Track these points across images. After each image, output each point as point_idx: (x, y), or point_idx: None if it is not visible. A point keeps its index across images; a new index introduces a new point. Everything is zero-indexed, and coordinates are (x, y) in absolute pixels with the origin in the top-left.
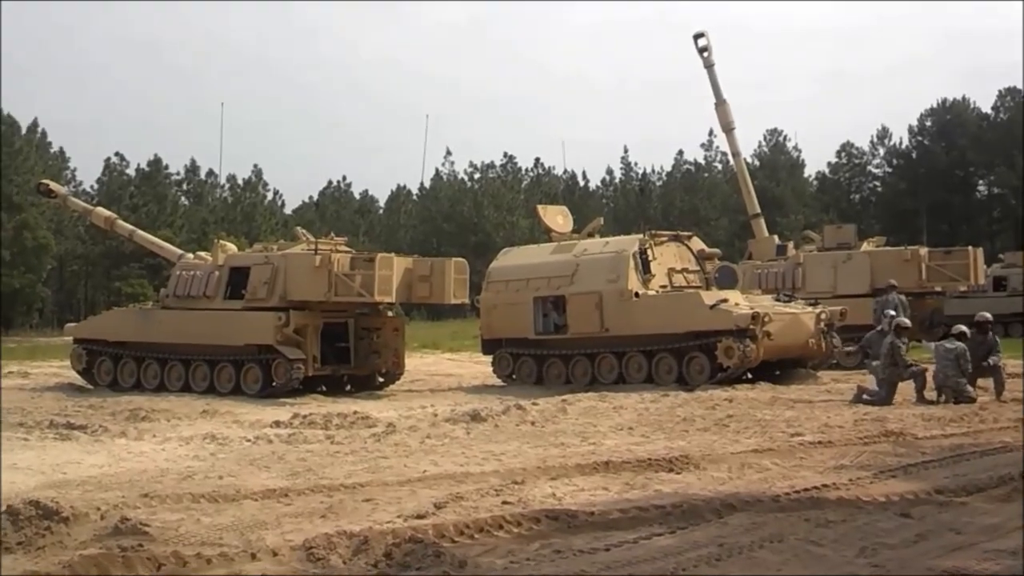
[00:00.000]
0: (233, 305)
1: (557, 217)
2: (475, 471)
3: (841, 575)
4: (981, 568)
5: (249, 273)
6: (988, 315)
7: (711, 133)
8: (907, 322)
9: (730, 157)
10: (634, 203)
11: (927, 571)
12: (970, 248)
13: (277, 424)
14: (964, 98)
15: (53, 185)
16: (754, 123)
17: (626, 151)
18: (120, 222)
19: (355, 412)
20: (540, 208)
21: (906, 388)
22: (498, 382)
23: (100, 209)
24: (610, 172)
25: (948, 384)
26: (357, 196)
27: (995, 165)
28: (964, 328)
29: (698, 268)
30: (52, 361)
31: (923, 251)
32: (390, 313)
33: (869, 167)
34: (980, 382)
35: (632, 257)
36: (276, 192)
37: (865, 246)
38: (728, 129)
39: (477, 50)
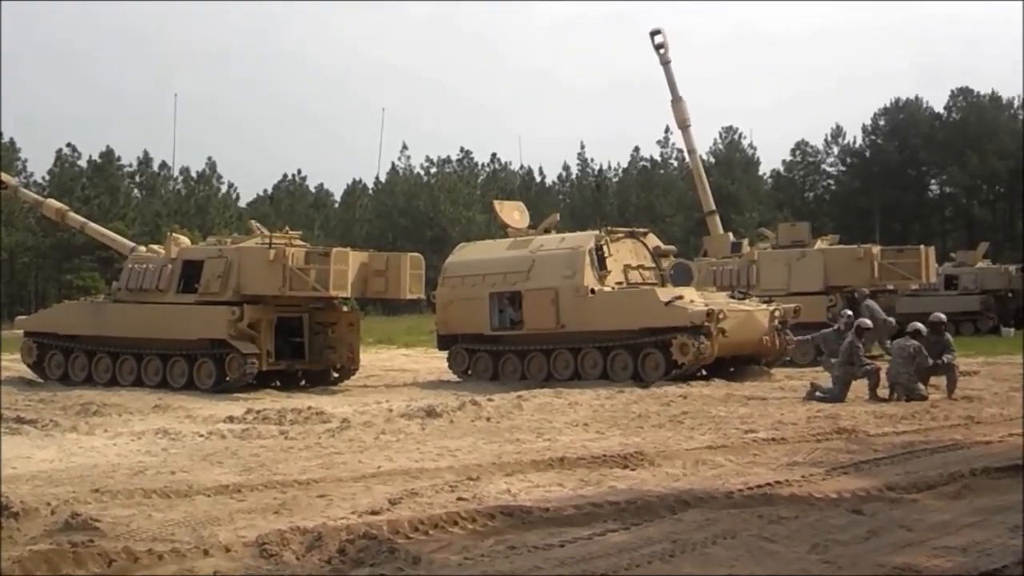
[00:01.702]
0: (186, 299)
1: (513, 213)
2: (430, 467)
3: (793, 572)
4: (931, 564)
5: (202, 267)
6: (942, 316)
7: (667, 130)
8: (868, 323)
9: (686, 154)
10: (590, 199)
11: (878, 567)
12: (922, 247)
13: (230, 419)
14: (917, 98)
15: (3, 176)
16: (710, 121)
17: (583, 147)
18: (71, 214)
19: (309, 407)
20: (496, 203)
21: (859, 386)
22: (454, 378)
23: (51, 200)
24: (567, 168)
25: (900, 381)
26: (312, 190)
27: (947, 165)
28: (920, 326)
29: (654, 265)
30: (2, 354)
31: (876, 249)
32: (345, 308)
33: (823, 166)
34: (932, 380)
35: (588, 253)
36: (230, 185)
37: (819, 244)
38: (684, 126)
39: (437, 43)
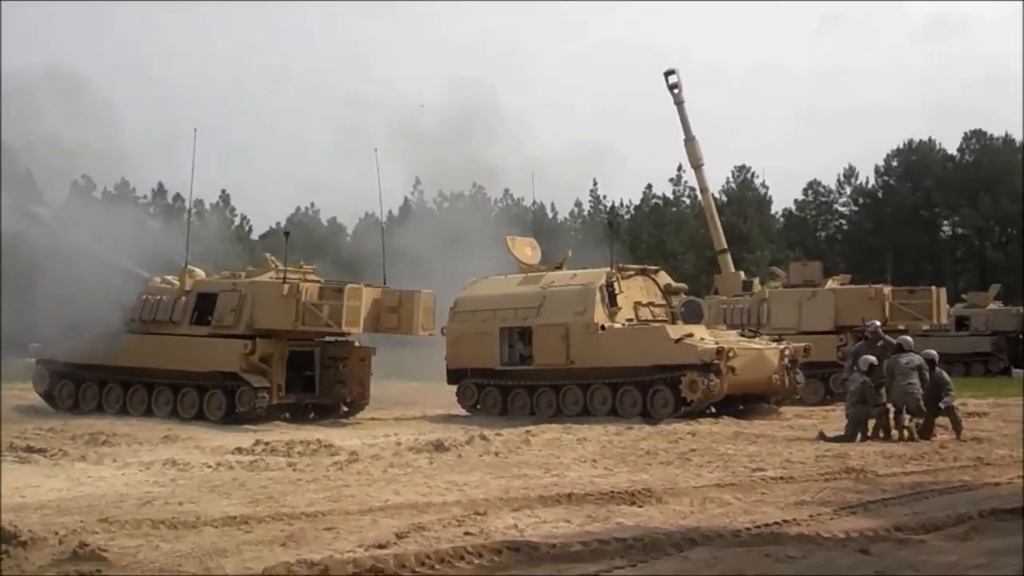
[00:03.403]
0: (199, 331)
1: (525, 248)
2: (437, 501)
3: None
4: None
5: (216, 300)
6: (934, 352)
7: (680, 168)
8: (874, 359)
9: (698, 192)
10: (602, 236)
11: None
12: (933, 288)
13: (239, 451)
14: (930, 139)
15: None
16: (722, 159)
17: (595, 184)
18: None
19: (318, 440)
20: (509, 239)
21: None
22: (462, 412)
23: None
24: (579, 204)
25: (913, 393)
26: (325, 223)
27: (960, 206)
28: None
29: (664, 302)
30: (14, 384)
31: (887, 290)
32: (357, 343)
33: (835, 205)
34: (937, 421)
35: (599, 290)
36: (243, 217)
37: (830, 283)
38: (696, 165)
39: (448, 75)
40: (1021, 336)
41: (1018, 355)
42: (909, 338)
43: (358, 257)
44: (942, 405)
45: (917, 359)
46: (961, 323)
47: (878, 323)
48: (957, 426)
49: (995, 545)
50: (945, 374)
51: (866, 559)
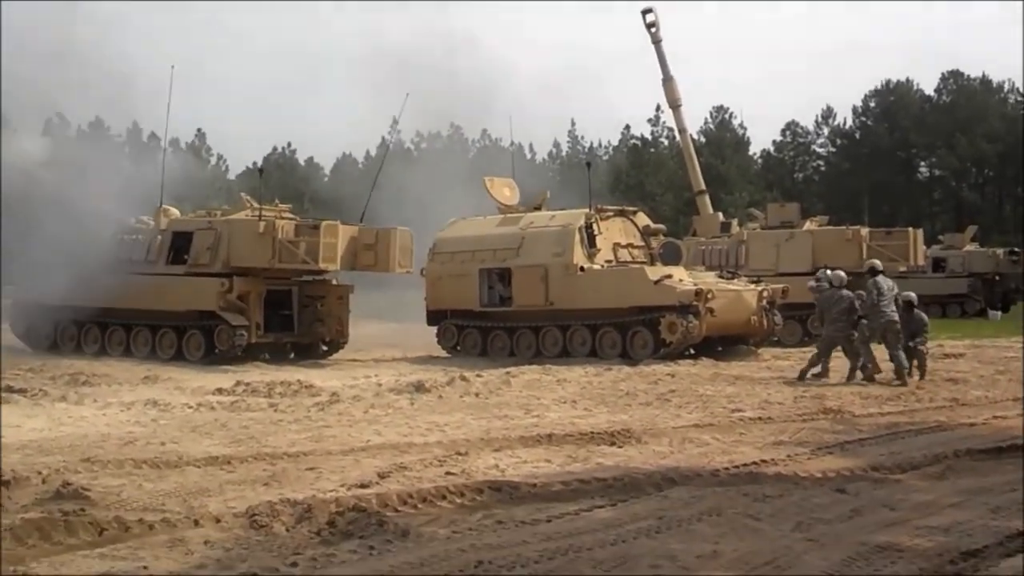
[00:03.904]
0: (175, 270)
1: (504, 189)
2: (419, 441)
3: (777, 549)
4: (913, 544)
5: (192, 238)
6: (913, 295)
7: (658, 109)
8: (843, 275)
9: (676, 133)
10: (580, 177)
11: (861, 546)
12: (910, 229)
13: (220, 391)
14: (908, 80)
15: None
16: (700, 94)
17: (573, 124)
18: None
19: (299, 381)
20: (487, 180)
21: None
22: (443, 353)
23: None
24: (557, 145)
25: (894, 321)
26: (302, 163)
27: (937, 147)
28: (913, 295)
29: (643, 243)
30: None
31: (864, 231)
32: (334, 281)
33: (813, 146)
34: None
35: (578, 231)
36: (220, 157)
37: (808, 225)
38: (675, 106)
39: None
40: (997, 278)
41: (994, 296)
42: (877, 261)
43: (335, 197)
44: (912, 344)
45: (894, 285)
46: (938, 264)
47: (829, 272)
48: (923, 368)
49: (970, 484)
50: (924, 316)
51: (842, 498)
